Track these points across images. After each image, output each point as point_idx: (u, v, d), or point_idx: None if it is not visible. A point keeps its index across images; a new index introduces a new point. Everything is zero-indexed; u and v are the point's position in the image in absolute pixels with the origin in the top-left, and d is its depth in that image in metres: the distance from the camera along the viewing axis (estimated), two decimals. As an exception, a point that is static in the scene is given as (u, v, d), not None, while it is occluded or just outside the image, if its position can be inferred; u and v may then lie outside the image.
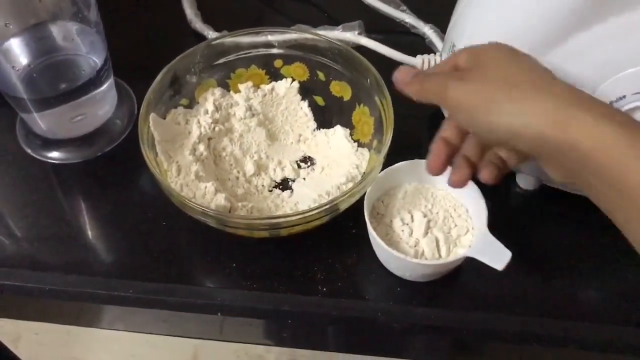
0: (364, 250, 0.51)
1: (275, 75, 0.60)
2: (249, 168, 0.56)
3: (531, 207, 0.55)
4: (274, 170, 0.57)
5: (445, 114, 0.52)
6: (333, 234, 0.52)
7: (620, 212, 0.34)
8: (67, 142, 0.58)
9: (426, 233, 0.50)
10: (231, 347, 0.66)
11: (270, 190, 0.56)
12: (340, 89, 0.58)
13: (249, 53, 0.58)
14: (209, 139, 0.56)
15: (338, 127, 0.59)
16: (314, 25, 0.67)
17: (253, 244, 0.52)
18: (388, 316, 0.48)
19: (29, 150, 0.59)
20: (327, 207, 0.46)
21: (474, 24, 0.51)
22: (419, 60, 0.61)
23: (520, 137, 0.36)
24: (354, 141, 0.58)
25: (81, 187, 0.57)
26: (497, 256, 0.45)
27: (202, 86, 0.58)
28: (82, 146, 0.58)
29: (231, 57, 0.58)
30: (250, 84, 0.59)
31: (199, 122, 0.55)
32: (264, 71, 0.60)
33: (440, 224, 0.50)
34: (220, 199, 0.49)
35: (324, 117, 0.60)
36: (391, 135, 0.49)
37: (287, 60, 0.59)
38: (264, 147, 0.58)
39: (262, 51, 0.59)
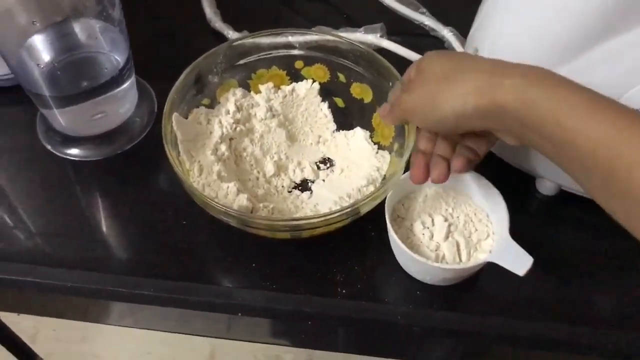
0: (383, 253, 0.51)
1: (296, 77, 0.60)
2: (269, 169, 0.56)
3: (550, 212, 0.55)
4: (294, 171, 0.57)
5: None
6: (353, 236, 0.52)
7: (561, 159, 0.37)
8: (87, 140, 0.59)
9: (447, 237, 0.50)
10: (248, 347, 0.66)
11: (290, 191, 0.56)
12: (361, 91, 0.58)
13: (270, 54, 0.59)
14: (231, 139, 0.56)
15: (358, 129, 0.59)
16: (332, 26, 0.67)
17: (273, 244, 0.52)
18: (408, 319, 0.48)
19: (48, 147, 0.59)
20: (349, 210, 0.46)
21: (498, 28, 0.51)
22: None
23: (465, 117, 0.40)
24: (374, 143, 0.58)
25: (100, 185, 0.57)
26: (518, 262, 0.45)
27: (224, 86, 0.58)
28: (102, 144, 0.58)
29: (252, 58, 0.58)
30: (271, 84, 0.59)
31: (220, 122, 0.56)
32: (285, 72, 0.60)
33: (461, 228, 0.50)
34: (243, 200, 0.49)
35: (344, 119, 0.60)
36: (414, 139, 0.49)
37: (308, 61, 0.59)
38: (284, 148, 0.58)
39: (283, 52, 0.59)
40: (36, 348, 0.73)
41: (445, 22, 0.67)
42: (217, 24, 0.68)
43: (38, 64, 0.53)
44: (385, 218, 0.48)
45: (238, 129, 0.56)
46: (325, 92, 0.60)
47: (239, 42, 0.57)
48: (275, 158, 0.57)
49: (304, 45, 0.58)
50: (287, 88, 0.60)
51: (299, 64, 0.59)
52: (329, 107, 0.60)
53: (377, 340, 0.58)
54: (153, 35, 0.69)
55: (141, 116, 0.60)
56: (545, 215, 0.55)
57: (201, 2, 0.71)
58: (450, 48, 0.66)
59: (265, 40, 0.58)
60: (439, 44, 0.67)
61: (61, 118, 0.56)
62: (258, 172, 0.56)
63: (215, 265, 0.52)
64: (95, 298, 0.51)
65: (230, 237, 0.52)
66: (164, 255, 0.51)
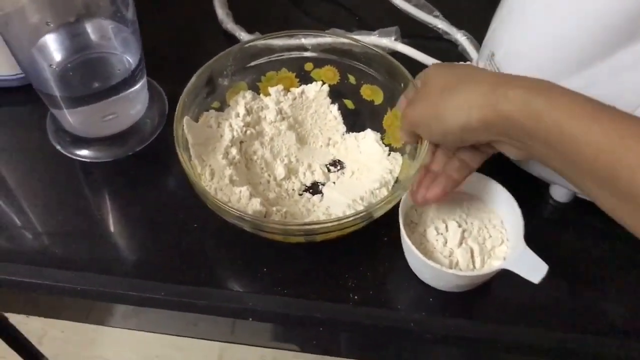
0: (395, 258, 0.51)
1: (305, 79, 0.59)
2: (280, 172, 0.56)
3: (565, 219, 0.55)
4: (304, 174, 0.57)
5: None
6: (364, 240, 0.52)
7: (565, 167, 0.38)
8: (97, 141, 0.58)
9: (461, 243, 0.49)
10: (257, 351, 0.66)
11: (301, 194, 0.55)
12: (371, 93, 0.58)
13: (281, 56, 0.58)
14: (241, 142, 0.56)
15: (369, 131, 0.58)
16: (344, 28, 0.66)
17: (284, 248, 0.51)
18: (421, 326, 0.48)
19: (58, 147, 0.58)
20: (364, 213, 0.46)
21: (514, 34, 0.50)
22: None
23: (469, 129, 0.40)
24: (386, 145, 0.57)
25: (111, 186, 0.57)
26: (533, 269, 0.45)
27: (234, 89, 0.57)
28: (113, 145, 0.58)
29: (263, 60, 0.58)
30: (280, 87, 0.59)
31: (231, 125, 0.55)
32: (294, 74, 0.59)
33: (475, 235, 0.50)
34: (256, 204, 0.49)
35: (354, 121, 0.59)
36: (427, 142, 0.48)
37: (318, 63, 0.59)
38: (294, 151, 0.58)
39: (295, 54, 0.58)
40: (43, 349, 0.73)
41: (459, 26, 0.67)
42: (229, 25, 0.68)
43: (50, 64, 0.53)
44: (396, 222, 0.48)
45: (248, 132, 0.56)
46: (335, 94, 0.59)
47: (251, 44, 0.56)
48: (286, 161, 0.57)
49: (316, 48, 0.58)
50: (296, 90, 0.59)
51: (308, 66, 0.59)
52: (339, 109, 0.60)
53: (387, 346, 0.57)
54: (164, 36, 0.69)
55: (152, 117, 0.60)
56: (560, 222, 0.55)
57: (213, 4, 0.70)
58: (463, 51, 0.66)
59: (277, 42, 0.57)
60: (452, 47, 0.67)
61: (72, 119, 0.56)
62: (269, 176, 0.56)
63: (226, 269, 0.51)
64: (106, 301, 0.51)
65: (242, 240, 0.51)
66: (174, 259, 0.51)
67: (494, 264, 0.48)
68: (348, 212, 0.49)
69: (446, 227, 0.50)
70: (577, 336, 0.48)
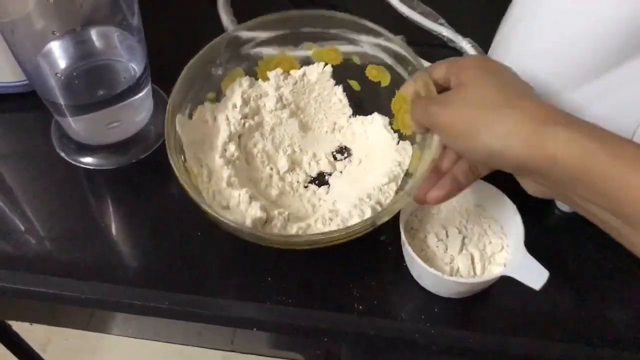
0: (398, 266, 0.50)
1: (306, 61, 0.56)
2: (283, 164, 0.54)
3: (569, 229, 0.54)
4: (309, 164, 0.54)
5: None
6: (367, 247, 0.51)
7: (600, 211, 0.36)
8: (101, 148, 0.58)
9: (461, 250, 0.49)
10: (260, 360, 0.66)
11: (306, 186, 0.53)
12: (378, 74, 0.54)
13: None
14: (239, 136, 0.53)
15: (376, 115, 0.55)
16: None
17: (289, 256, 0.51)
18: (426, 338, 0.47)
19: (62, 154, 0.58)
20: (368, 222, 0.44)
21: (522, 43, 0.50)
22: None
23: (501, 159, 0.38)
24: (394, 131, 0.54)
25: (115, 194, 0.56)
26: (534, 275, 0.44)
27: (229, 77, 0.54)
28: (117, 152, 0.58)
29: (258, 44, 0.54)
30: (279, 70, 0.55)
31: (227, 118, 0.52)
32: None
33: (475, 241, 0.50)
34: (256, 210, 0.47)
35: (360, 104, 0.56)
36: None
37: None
38: (297, 140, 0.55)
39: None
40: (47, 357, 0.73)
41: (464, 34, 0.67)
42: (234, 32, 0.68)
43: (55, 72, 0.52)
44: (398, 229, 0.48)
45: (247, 124, 0.53)
46: (339, 76, 0.56)
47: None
48: (289, 152, 0.54)
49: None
50: (297, 73, 0.55)
51: (308, 47, 0.55)
52: (344, 90, 0.56)
53: (391, 357, 0.57)
54: (168, 43, 0.68)
55: (156, 125, 0.60)
56: (564, 231, 0.54)
57: (217, 11, 0.70)
58: (468, 60, 0.66)
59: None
60: (457, 55, 0.67)
61: (76, 126, 0.56)
62: (271, 169, 0.54)
63: (230, 278, 0.51)
64: (109, 310, 0.51)
65: (245, 249, 0.51)
66: (178, 267, 0.51)
67: (495, 271, 0.48)
68: (354, 212, 0.47)
69: (446, 233, 0.50)
70: (580, 347, 0.47)
